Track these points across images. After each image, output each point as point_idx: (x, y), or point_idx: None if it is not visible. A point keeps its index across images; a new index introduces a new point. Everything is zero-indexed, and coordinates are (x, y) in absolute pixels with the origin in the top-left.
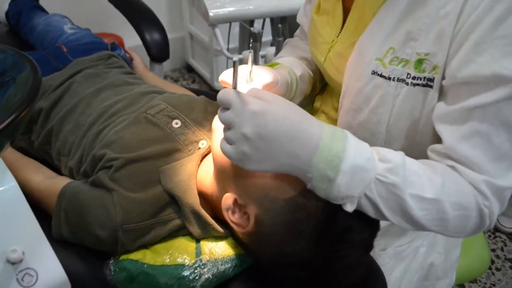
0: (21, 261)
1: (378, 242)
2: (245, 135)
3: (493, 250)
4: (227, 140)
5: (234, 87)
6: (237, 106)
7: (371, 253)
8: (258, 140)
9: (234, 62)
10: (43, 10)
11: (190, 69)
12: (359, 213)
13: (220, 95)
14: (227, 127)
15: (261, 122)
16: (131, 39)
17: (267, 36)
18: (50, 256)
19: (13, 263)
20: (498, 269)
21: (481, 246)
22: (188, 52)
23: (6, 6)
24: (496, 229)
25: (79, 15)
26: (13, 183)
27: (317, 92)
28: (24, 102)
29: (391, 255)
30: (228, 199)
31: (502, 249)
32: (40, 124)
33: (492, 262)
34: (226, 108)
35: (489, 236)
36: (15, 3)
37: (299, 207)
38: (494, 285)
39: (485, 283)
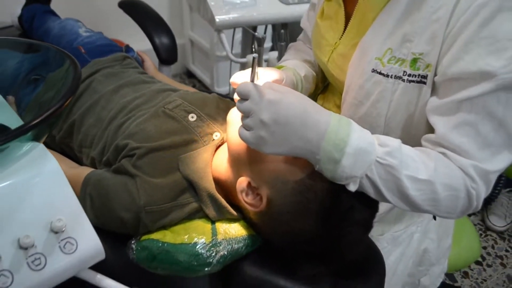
0: (63, 230)
1: (376, 228)
2: (262, 121)
3: (484, 248)
4: (245, 126)
5: (252, 81)
6: (255, 96)
7: (371, 238)
8: (274, 126)
9: (254, 58)
10: (54, 14)
11: (190, 74)
12: (360, 195)
13: (239, 88)
14: (246, 115)
15: (277, 110)
16: (133, 45)
17: (267, 43)
18: (87, 227)
19: (56, 232)
20: (489, 266)
21: (472, 237)
22: (189, 58)
23: (19, 11)
24: (487, 228)
25: (83, 21)
26: (54, 162)
27: (319, 91)
28: (68, 92)
29: (388, 240)
30: (242, 182)
31: (493, 247)
32: (62, 119)
33: (483, 258)
34: (245, 99)
35: (481, 234)
36: (28, 8)
37: (307, 188)
38: (485, 280)
39: (477, 279)
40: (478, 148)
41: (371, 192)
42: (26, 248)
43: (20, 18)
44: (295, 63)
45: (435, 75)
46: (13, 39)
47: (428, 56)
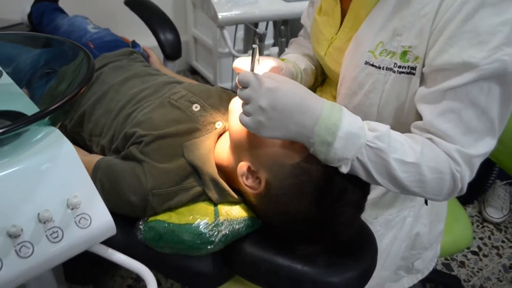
0: (78, 207)
1: (370, 212)
2: (261, 107)
3: (481, 239)
4: (245, 112)
5: (252, 70)
6: (254, 84)
7: (365, 221)
8: (272, 111)
9: (253, 49)
10: (63, 12)
11: (193, 71)
12: (352, 178)
13: (240, 76)
14: (246, 102)
15: (274, 97)
16: (138, 42)
17: (269, 39)
18: (100, 204)
19: (72, 208)
20: (485, 256)
21: (465, 225)
22: (192, 55)
23: (28, 9)
24: (484, 220)
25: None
26: (69, 145)
27: (318, 84)
28: (83, 80)
29: (381, 223)
30: (243, 166)
31: (489, 238)
32: (74, 109)
33: (480, 249)
34: (245, 87)
35: (478, 226)
36: (37, 5)
37: (303, 171)
38: (481, 269)
39: (473, 268)
40: (461, 133)
41: (362, 175)
42: (45, 222)
43: (29, 15)
44: (296, 57)
45: (423, 66)
46: (30, 34)
47: (417, 49)
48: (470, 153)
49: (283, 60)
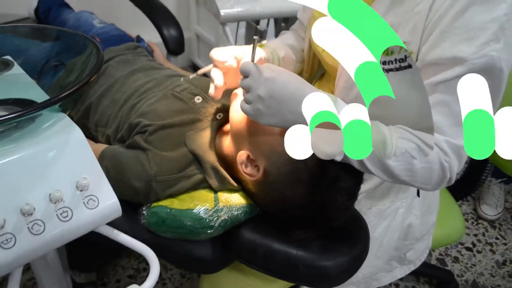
0: (87, 188)
1: (364, 203)
2: (260, 96)
3: (475, 235)
4: (246, 100)
5: (252, 60)
6: (254, 74)
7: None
8: (270, 100)
9: (254, 40)
10: (69, 7)
11: (195, 68)
12: (346, 167)
13: (241, 66)
14: (246, 91)
15: (272, 86)
16: (142, 37)
17: (270, 37)
18: (107, 187)
19: (81, 190)
20: (479, 252)
21: (457, 219)
22: (194, 52)
23: (35, 4)
24: (479, 217)
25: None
26: (78, 130)
27: (315, 81)
28: (94, 69)
29: (375, 213)
30: (242, 155)
31: (483, 234)
32: (81, 100)
33: (474, 245)
34: (246, 76)
35: (472, 223)
36: (44, 0)
37: (298, 159)
38: (474, 265)
39: (467, 263)
40: (450, 125)
41: (355, 163)
42: (56, 202)
43: (36, 10)
44: (277, 44)
45: (416, 61)
46: (40, 26)
47: (411, 44)
48: (458, 144)
49: (262, 45)
